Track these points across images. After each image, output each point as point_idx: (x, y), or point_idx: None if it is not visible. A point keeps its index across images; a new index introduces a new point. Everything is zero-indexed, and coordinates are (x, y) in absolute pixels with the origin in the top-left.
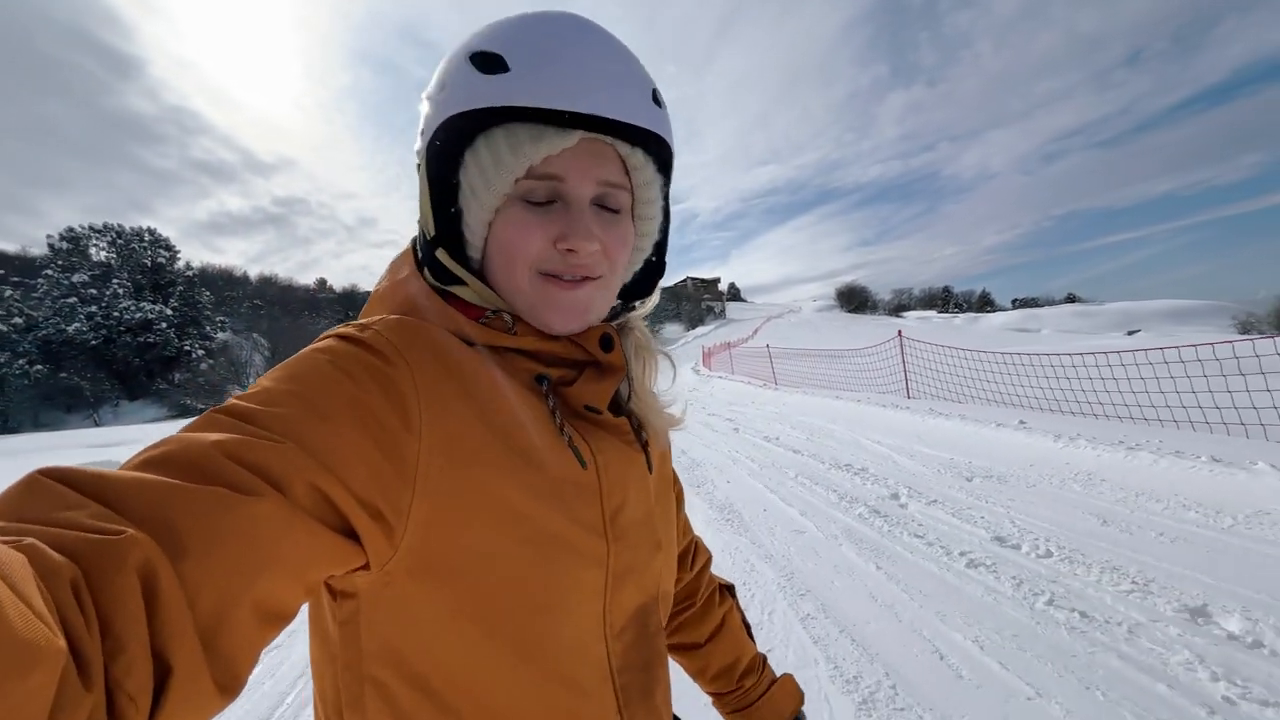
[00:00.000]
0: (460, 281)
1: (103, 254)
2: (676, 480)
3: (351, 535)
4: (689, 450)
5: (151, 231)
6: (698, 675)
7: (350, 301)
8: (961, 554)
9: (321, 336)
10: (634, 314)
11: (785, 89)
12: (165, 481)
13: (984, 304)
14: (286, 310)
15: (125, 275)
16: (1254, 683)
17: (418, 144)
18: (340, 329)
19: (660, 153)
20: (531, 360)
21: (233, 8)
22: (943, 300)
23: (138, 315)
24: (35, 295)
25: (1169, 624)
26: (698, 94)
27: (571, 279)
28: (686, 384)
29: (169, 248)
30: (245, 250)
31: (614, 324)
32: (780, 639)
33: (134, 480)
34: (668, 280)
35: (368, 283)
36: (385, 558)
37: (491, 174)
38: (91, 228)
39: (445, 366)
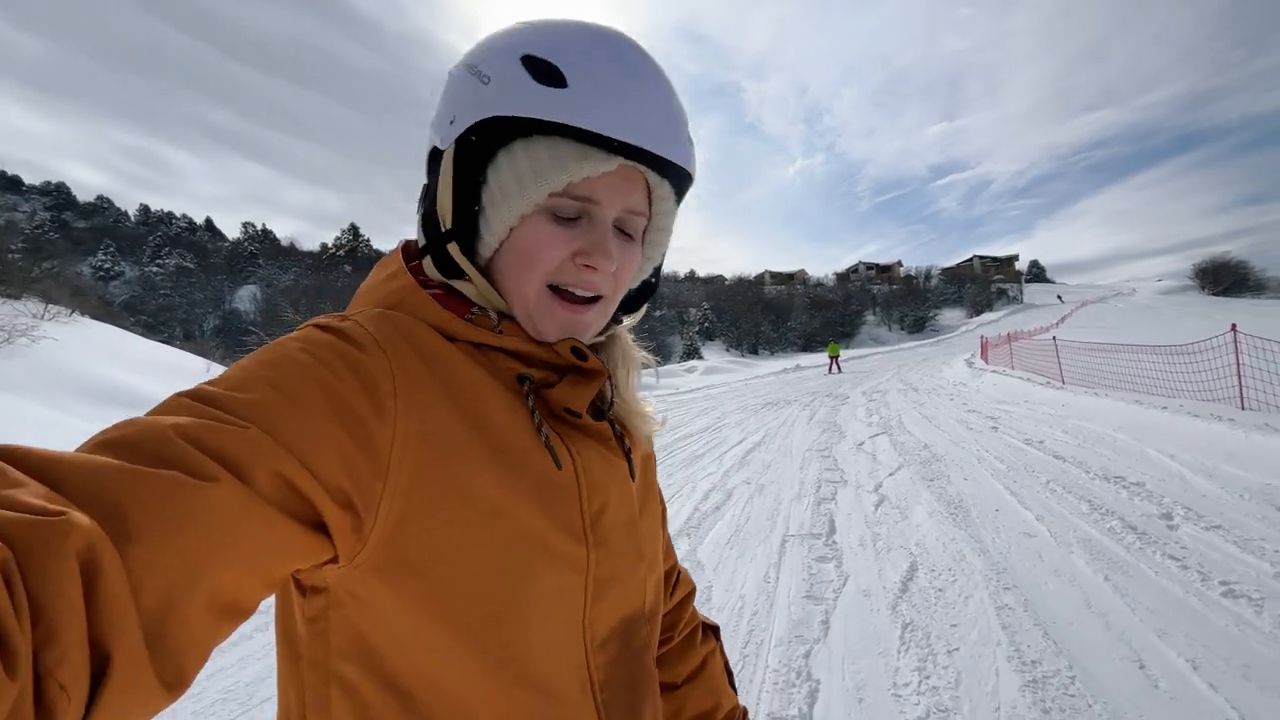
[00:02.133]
0: (462, 276)
1: None
2: (661, 497)
3: (319, 527)
4: (932, 445)
5: None
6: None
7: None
8: (1222, 582)
9: (299, 327)
10: (621, 325)
11: (1129, 8)
12: (115, 464)
13: None
14: None
15: None
16: None
17: (440, 133)
18: (318, 320)
19: (682, 184)
20: (514, 360)
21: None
22: None
23: None
24: None
25: None
26: (997, 37)
27: (580, 297)
28: (954, 378)
29: None
30: None
31: (601, 334)
32: (969, 620)
33: (82, 461)
34: (949, 260)
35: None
36: (354, 551)
37: (529, 182)
38: None
39: (424, 360)
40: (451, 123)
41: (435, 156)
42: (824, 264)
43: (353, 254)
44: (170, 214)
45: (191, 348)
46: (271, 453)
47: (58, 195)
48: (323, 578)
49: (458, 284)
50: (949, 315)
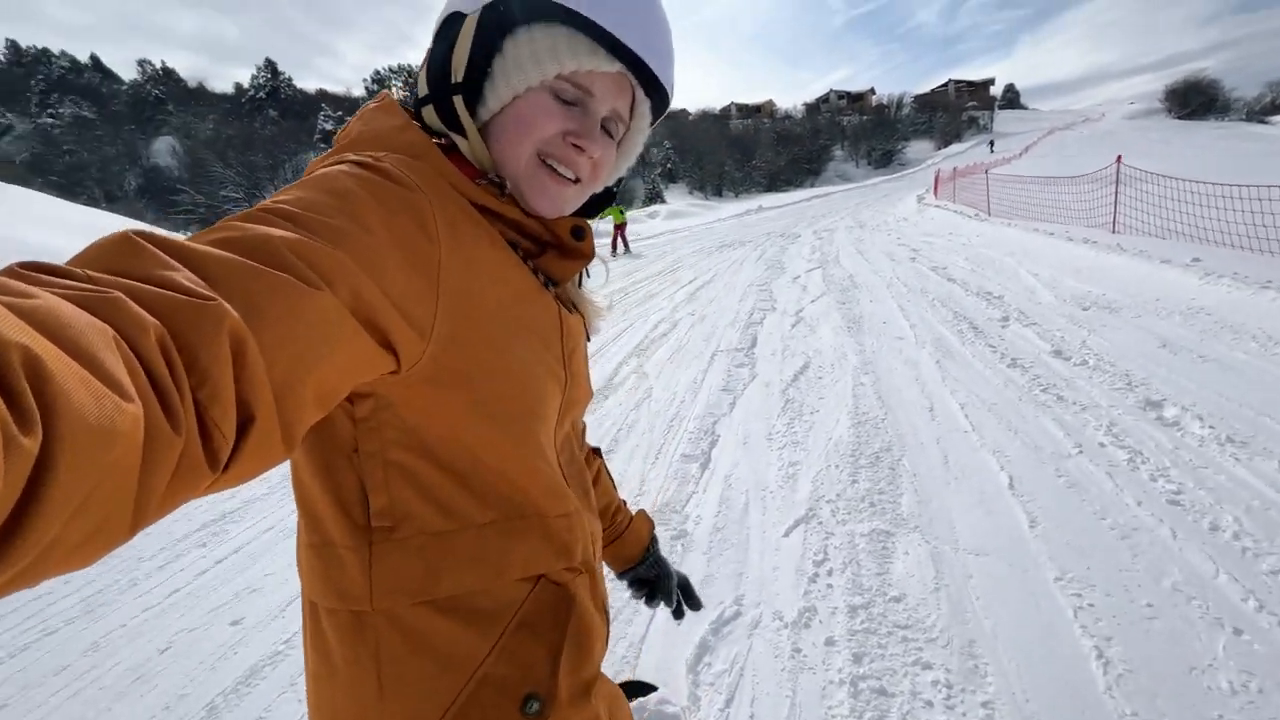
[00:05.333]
0: (459, 133)
1: (399, 93)
2: None
3: (385, 344)
4: (856, 275)
5: None
6: None
7: None
8: (1012, 359)
9: (332, 162)
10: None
11: None
12: (244, 261)
13: None
14: None
15: None
16: (1129, 437)
17: (467, 1)
18: (353, 157)
19: (660, 109)
20: (506, 227)
21: None
22: None
23: None
24: None
25: (1117, 408)
26: None
27: (564, 175)
28: (900, 215)
29: None
30: None
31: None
32: (834, 394)
33: (217, 254)
34: (923, 86)
35: None
36: (413, 362)
37: (544, 59)
38: (390, 69)
39: (454, 205)
40: None
41: (453, 20)
42: (793, 93)
43: (275, 96)
44: (46, 51)
45: (120, 210)
46: (354, 274)
47: None
48: (370, 385)
49: (455, 138)
50: (917, 148)
